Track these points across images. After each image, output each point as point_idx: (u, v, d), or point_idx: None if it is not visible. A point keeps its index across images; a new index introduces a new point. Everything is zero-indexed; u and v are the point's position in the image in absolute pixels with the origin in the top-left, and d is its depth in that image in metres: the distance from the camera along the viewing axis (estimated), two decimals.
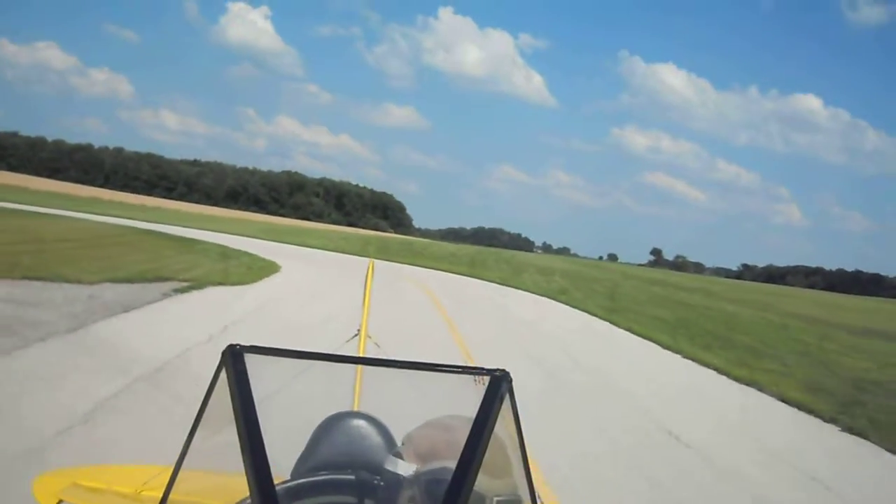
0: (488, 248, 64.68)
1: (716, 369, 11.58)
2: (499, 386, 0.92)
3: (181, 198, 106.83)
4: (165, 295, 11.46)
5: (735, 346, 14.66)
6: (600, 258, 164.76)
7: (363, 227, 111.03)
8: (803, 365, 13.11)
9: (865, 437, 8.00)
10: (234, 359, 0.91)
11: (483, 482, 0.88)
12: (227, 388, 0.89)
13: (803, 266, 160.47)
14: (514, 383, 0.94)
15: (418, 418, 1.22)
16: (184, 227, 34.20)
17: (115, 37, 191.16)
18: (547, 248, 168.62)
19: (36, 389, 5.60)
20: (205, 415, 0.98)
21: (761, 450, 7.02)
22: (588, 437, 6.49)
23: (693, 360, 12.37)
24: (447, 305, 16.06)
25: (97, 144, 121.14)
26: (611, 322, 16.76)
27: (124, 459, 3.81)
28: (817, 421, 8.78)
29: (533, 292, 23.56)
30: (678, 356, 12.74)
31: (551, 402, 7.39)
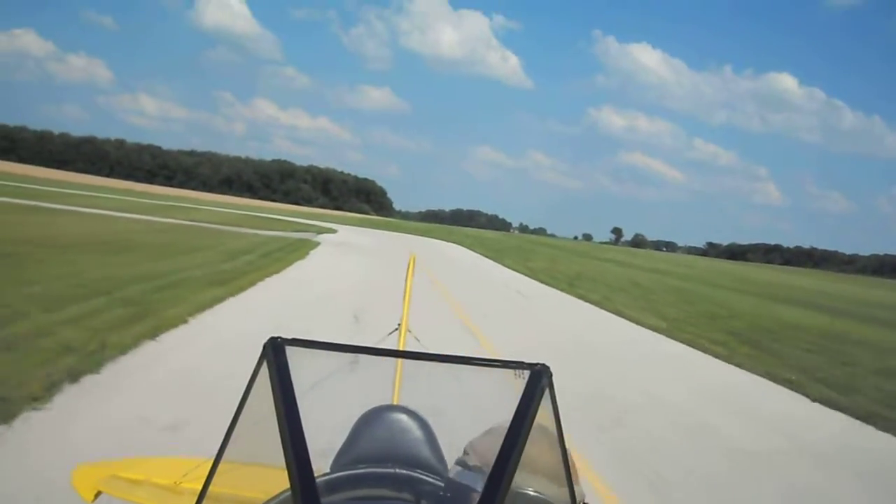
0: (442, 226, 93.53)
1: (481, 255, 38.48)
2: (539, 380, 0.92)
3: (181, 186, 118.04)
4: (316, 233, 38.15)
5: (502, 252, 41.75)
6: (575, 238, 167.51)
7: (348, 211, 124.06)
8: (518, 256, 40.29)
9: (485, 255, 34.99)
10: (275, 351, 0.93)
11: (522, 478, 0.90)
12: (268, 381, 0.91)
13: (763, 244, 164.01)
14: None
15: (456, 411, 1.28)
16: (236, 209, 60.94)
17: (92, 23, 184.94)
18: (524, 229, 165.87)
19: (335, 241, 32.78)
20: (245, 407, 1.00)
21: (453, 258, 34.22)
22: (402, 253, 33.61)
23: (480, 254, 39.37)
24: (405, 241, 43.09)
25: (73, 132, 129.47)
26: (468, 248, 44.03)
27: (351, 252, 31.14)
28: (485, 258, 35.75)
29: (448, 242, 50.63)
30: (475, 253, 39.90)
31: (404, 254, 34.49)
